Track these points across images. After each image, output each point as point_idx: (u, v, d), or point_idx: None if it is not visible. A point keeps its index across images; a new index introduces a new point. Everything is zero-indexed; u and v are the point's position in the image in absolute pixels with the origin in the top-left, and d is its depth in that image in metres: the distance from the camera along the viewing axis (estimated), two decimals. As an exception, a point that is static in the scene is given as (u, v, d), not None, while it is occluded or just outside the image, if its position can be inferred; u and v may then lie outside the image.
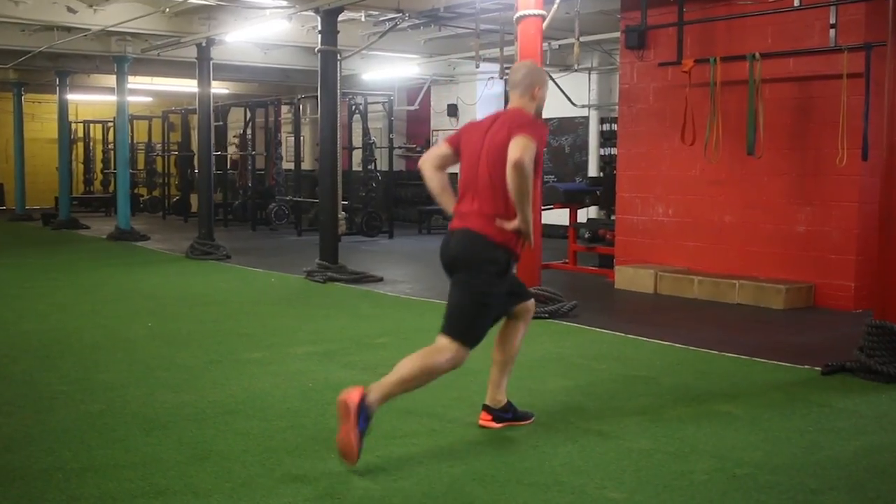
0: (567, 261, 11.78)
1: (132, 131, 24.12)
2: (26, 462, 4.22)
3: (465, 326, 4.38)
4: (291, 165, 19.58)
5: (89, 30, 12.55)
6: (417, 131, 21.55)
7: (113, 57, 15.41)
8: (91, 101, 24.09)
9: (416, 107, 19.63)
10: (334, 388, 5.58)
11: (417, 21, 11.51)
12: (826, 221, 8.85)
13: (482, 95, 19.11)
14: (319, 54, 10.61)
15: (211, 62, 13.20)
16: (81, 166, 25.73)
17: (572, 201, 11.70)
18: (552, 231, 15.41)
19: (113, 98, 18.47)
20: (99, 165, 25.07)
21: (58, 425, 4.83)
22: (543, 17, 8.15)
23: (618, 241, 10.80)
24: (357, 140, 17.91)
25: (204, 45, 12.91)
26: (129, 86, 19.86)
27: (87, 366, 6.22)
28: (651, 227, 10.39)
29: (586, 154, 16.65)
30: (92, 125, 25.09)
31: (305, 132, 21.21)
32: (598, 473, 4.06)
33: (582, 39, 12.90)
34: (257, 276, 11.28)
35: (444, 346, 4.36)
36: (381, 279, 10.67)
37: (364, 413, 4.07)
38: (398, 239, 16.45)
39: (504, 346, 4.75)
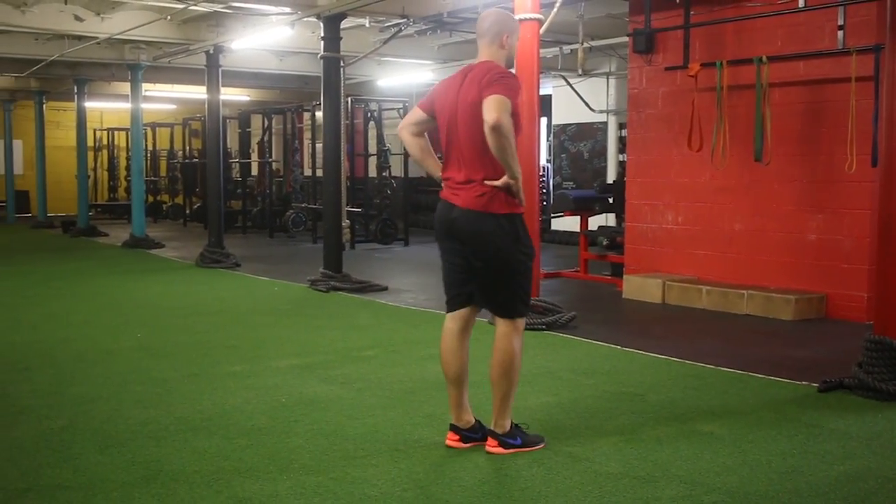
0: (578, 269, 11.55)
1: (154, 138, 24.27)
2: (-32, 481, 4.10)
3: (514, 303, 4.38)
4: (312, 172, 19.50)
5: (97, 38, 12.52)
6: (437, 137, 21.33)
7: (127, 64, 15.40)
8: (116, 108, 24.20)
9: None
10: (307, 403, 5.45)
11: (424, 27, 11.35)
12: (838, 229, 8.55)
13: (501, 101, 18.90)
14: (322, 61, 10.48)
15: (220, 69, 13.13)
16: (106, 173, 25.89)
17: (582, 209, 11.45)
18: (570, 238, 15.23)
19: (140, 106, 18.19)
20: (123, 173, 25.17)
21: (14, 442, 4.70)
22: (541, 22, 7.95)
23: (627, 250, 10.54)
24: (373, 147, 17.78)
25: (212, 52, 12.84)
26: (153, 93, 20.03)
27: (62, 379, 6.10)
28: (661, 235, 10.13)
29: (605, 160, 16.40)
30: (116, 132, 25.20)
31: (325, 139, 21.09)
32: (559, 499, 3.84)
33: (594, 44, 12.76)
34: (261, 285, 11.15)
35: (506, 332, 4.37)
36: (385, 288, 10.50)
37: (510, 437, 4.36)
38: (414, 247, 16.24)
39: (456, 361, 4.51)
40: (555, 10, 8.36)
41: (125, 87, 18.78)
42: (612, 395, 5.65)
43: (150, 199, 24.10)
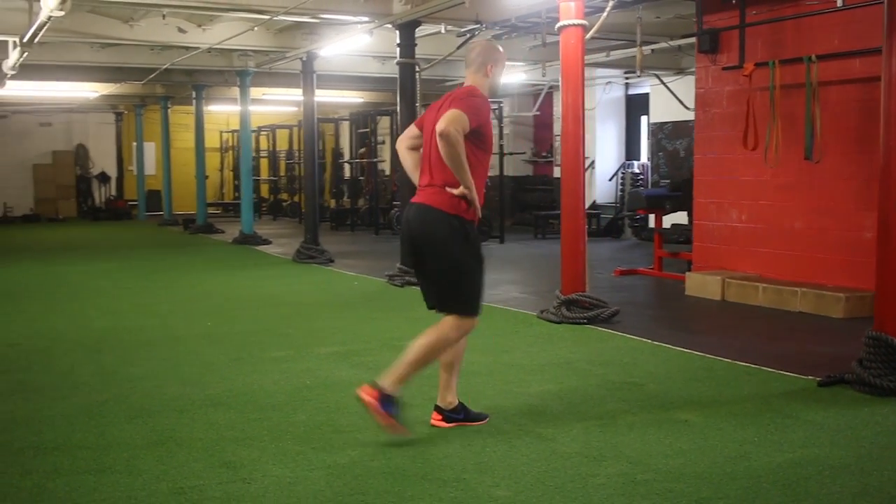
0: (653, 266, 11.71)
1: (274, 140, 25.46)
2: (10, 440, 4.80)
3: (457, 301, 4.73)
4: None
5: (199, 48, 13.42)
6: (543, 136, 21.71)
7: (236, 71, 16.37)
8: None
9: (535, 112, 19.78)
10: (327, 385, 5.96)
11: (499, 31, 11.74)
12: (893, 228, 8.48)
13: (601, 100, 19.10)
14: (398, 66, 11.02)
15: (314, 74, 13.87)
16: (231, 174, 27.26)
17: (654, 206, 11.62)
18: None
19: (260, 109, 19.09)
20: (248, 173, 26.46)
21: (62, 411, 5.39)
22: (585, 27, 8.21)
23: (695, 248, 10.66)
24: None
25: (305, 59, 13.58)
26: (272, 97, 21.16)
27: (125, 360, 6.81)
28: (725, 232, 10.21)
29: (701, 158, 16.34)
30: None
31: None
32: (503, 473, 4.21)
33: (672, 44, 12.85)
34: (344, 280, 11.78)
35: (446, 322, 4.72)
36: (456, 283, 10.91)
37: (388, 402, 4.56)
38: (509, 244, 16.50)
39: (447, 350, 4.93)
40: (604, 14, 8.60)
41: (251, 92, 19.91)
42: (612, 385, 5.94)
43: (272, 197, 25.34)
